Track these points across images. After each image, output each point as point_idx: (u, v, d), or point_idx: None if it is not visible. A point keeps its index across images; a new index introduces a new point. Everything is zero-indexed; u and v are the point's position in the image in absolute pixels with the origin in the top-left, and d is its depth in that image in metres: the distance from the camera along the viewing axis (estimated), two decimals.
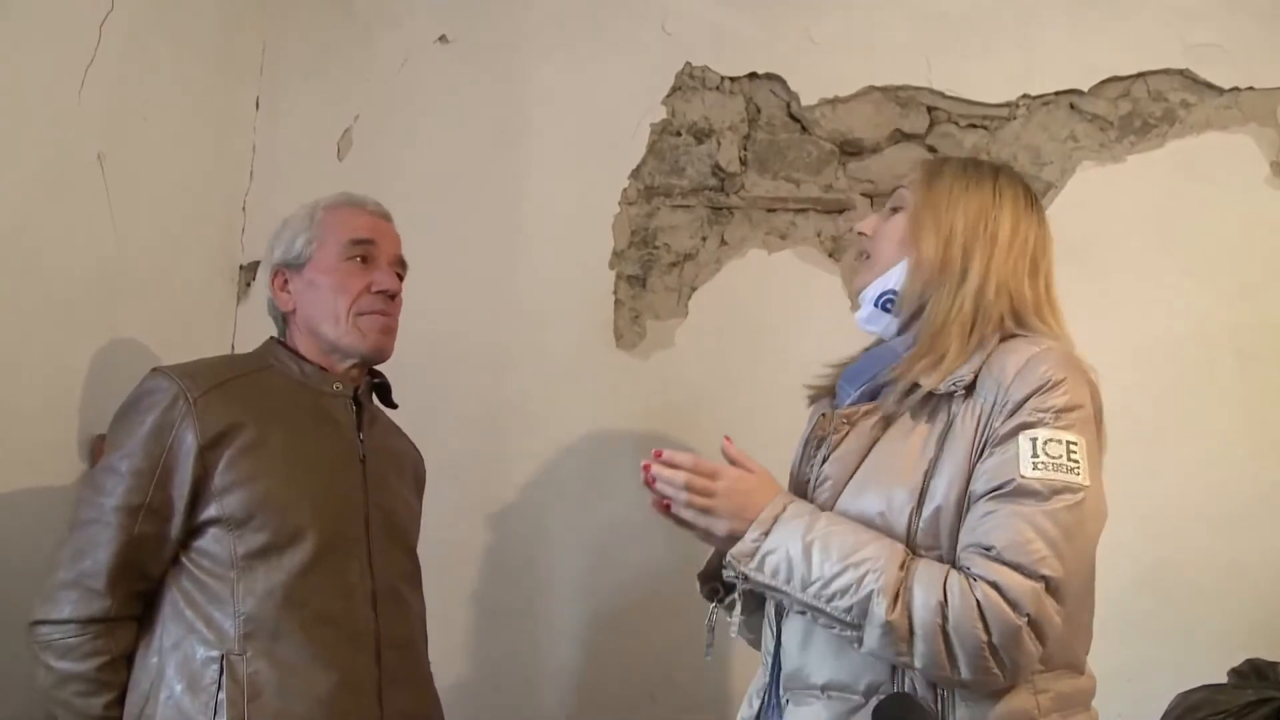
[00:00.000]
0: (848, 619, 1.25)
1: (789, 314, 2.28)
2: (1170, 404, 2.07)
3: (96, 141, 2.01)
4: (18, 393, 1.82)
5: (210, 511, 1.52)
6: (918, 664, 1.23)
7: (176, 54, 2.24)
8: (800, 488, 1.45)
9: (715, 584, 1.48)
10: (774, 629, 1.44)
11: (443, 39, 2.52)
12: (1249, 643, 1.81)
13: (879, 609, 1.22)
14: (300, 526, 1.54)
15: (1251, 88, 2.17)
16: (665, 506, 1.36)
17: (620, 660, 2.27)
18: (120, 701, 1.50)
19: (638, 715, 2.24)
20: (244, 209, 2.51)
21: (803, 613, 1.31)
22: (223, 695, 1.45)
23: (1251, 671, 1.70)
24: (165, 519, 1.51)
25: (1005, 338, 1.36)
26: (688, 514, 1.35)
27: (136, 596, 1.52)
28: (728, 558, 1.33)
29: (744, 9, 2.41)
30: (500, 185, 2.45)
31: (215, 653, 1.47)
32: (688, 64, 2.41)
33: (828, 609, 1.26)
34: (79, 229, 1.97)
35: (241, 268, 2.50)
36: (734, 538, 1.32)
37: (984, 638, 1.20)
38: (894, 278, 1.43)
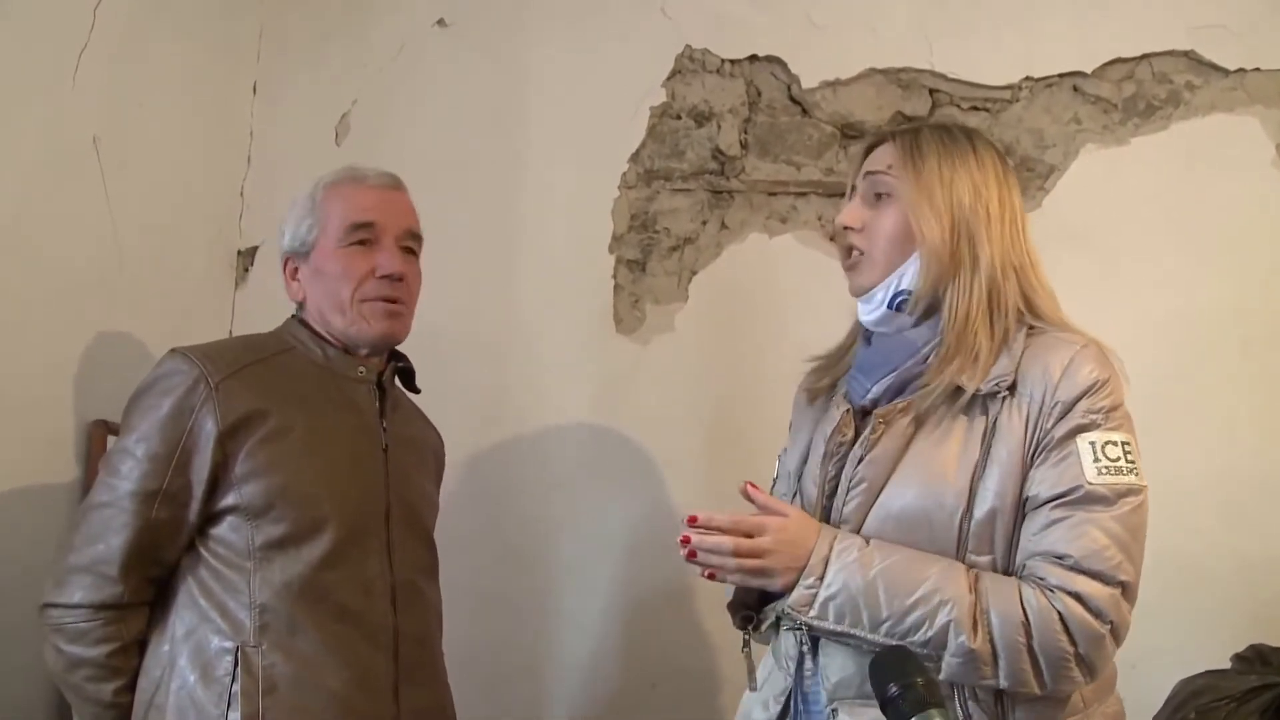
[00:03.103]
0: (925, 651, 1.23)
1: (789, 298, 2.26)
2: (1175, 388, 2.05)
3: (92, 126, 1.99)
4: (14, 379, 1.81)
5: (229, 499, 1.48)
6: (1003, 683, 1.23)
7: (172, 38, 2.22)
8: (823, 487, 1.39)
9: (748, 611, 1.44)
10: (799, 637, 1.38)
11: (441, 23, 2.50)
12: (1253, 628, 1.80)
13: (959, 639, 1.22)
14: (320, 519, 1.50)
15: (1258, 69, 2.15)
16: (711, 574, 1.32)
17: (622, 648, 2.27)
18: (131, 687, 1.48)
19: (639, 703, 2.24)
20: (241, 194, 2.50)
21: (873, 650, 1.28)
22: (236, 687, 1.42)
23: (1255, 657, 1.70)
24: (183, 504, 1.47)
25: (1031, 331, 1.34)
26: (736, 578, 1.32)
27: (150, 582, 1.49)
28: (787, 609, 1.30)
29: None
30: (499, 170, 2.43)
31: (230, 644, 1.44)
32: (687, 47, 2.39)
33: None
34: (75, 213, 1.96)
35: (239, 253, 2.49)
36: (789, 588, 1.30)
37: (1070, 649, 1.21)
38: (906, 277, 1.37)
